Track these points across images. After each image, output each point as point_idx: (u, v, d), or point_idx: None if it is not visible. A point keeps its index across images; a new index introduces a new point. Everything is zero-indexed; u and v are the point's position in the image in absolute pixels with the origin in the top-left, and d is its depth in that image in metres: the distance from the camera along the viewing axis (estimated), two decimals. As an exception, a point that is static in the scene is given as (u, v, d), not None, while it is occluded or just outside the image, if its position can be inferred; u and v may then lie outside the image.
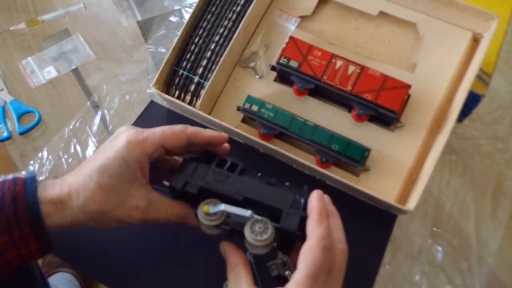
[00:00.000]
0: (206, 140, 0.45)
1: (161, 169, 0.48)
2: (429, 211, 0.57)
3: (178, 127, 0.45)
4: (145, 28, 0.81)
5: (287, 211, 0.39)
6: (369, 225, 0.55)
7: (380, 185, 0.54)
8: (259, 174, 0.44)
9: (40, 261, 0.76)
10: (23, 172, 0.41)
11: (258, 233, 0.39)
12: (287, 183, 0.43)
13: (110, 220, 0.41)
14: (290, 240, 0.40)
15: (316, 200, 0.38)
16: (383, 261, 0.53)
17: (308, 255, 0.35)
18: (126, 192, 0.41)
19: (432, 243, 0.55)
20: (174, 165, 0.49)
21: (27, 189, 0.39)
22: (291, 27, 0.62)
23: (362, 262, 0.51)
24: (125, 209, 0.40)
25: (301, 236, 0.38)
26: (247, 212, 0.39)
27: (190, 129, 0.45)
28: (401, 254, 0.55)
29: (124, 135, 0.42)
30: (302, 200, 0.40)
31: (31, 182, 0.40)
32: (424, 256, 0.55)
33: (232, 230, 0.42)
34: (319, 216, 0.37)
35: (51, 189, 0.40)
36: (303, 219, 0.39)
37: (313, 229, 0.36)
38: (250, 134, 0.55)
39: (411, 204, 0.50)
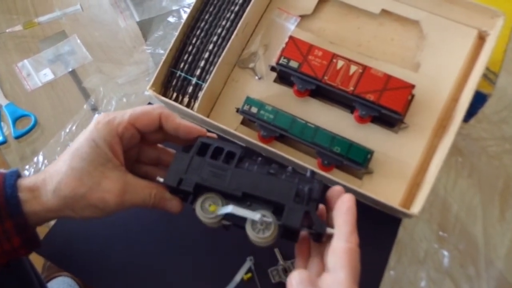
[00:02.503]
0: (177, 127, 0.43)
1: (143, 160, 0.47)
2: (435, 214, 0.56)
3: (150, 106, 0.44)
4: (145, 29, 0.80)
5: (290, 207, 0.38)
6: (372, 229, 0.53)
7: (384, 188, 0.53)
8: (259, 159, 0.42)
9: (40, 266, 0.75)
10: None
11: (260, 230, 0.38)
12: (289, 168, 0.41)
13: (85, 206, 0.40)
14: (295, 232, 0.39)
15: (351, 203, 0.37)
16: (387, 266, 0.51)
17: (351, 259, 0.34)
18: (100, 175, 0.40)
19: (438, 248, 0.54)
20: (158, 157, 0.47)
21: (6, 183, 0.39)
22: (291, 27, 0.61)
23: (365, 267, 0.49)
24: (100, 192, 0.39)
25: (310, 229, 0.37)
26: (256, 216, 0.38)
27: (165, 109, 0.43)
28: (406, 259, 0.54)
29: (95, 119, 0.42)
30: (306, 189, 0.39)
31: (10, 176, 0.40)
32: (430, 261, 0.53)
33: (233, 225, 0.41)
34: (354, 221, 0.36)
35: (29, 178, 0.40)
36: (307, 213, 0.38)
37: (351, 233, 0.35)
38: (250, 137, 0.54)
39: (416, 208, 0.48)
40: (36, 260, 0.53)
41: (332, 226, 0.37)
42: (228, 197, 0.40)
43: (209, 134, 0.45)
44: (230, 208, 0.39)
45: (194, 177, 0.41)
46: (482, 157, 0.59)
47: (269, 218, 0.38)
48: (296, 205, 0.38)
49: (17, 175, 0.40)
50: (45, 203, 0.39)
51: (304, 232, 0.39)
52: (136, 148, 0.45)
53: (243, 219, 0.39)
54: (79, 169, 0.39)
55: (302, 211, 0.38)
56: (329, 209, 0.39)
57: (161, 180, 0.42)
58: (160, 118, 0.43)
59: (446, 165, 0.52)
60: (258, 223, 0.38)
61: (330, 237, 0.37)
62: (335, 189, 0.39)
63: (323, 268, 0.37)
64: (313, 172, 0.40)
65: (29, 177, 0.41)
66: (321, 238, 0.38)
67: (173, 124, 0.43)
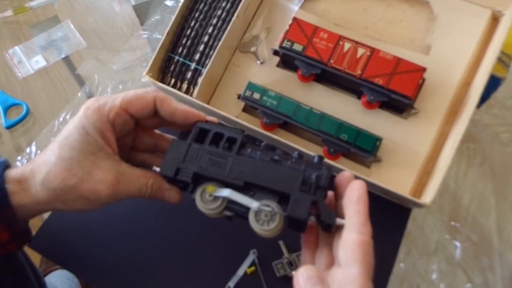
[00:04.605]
0: (173, 111, 0.40)
1: (139, 147, 0.44)
2: (446, 204, 0.54)
3: (143, 89, 0.41)
4: (142, 13, 0.77)
5: (295, 197, 0.35)
6: (381, 220, 0.50)
7: (393, 177, 0.51)
8: (263, 144, 0.40)
9: (37, 259, 0.73)
10: None
11: (265, 221, 0.36)
12: (295, 154, 0.39)
13: (76, 198, 0.37)
14: (302, 222, 0.36)
15: (362, 190, 0.34)
16: (397, 259, 0.50)
17: (364, 253, 0.32)
18: (91, 164, 0.37)
19: (450, 239, 0.52)
20: (155, 144, 0.45)
21: None
22: (294, 8, 0.58)
23: (374, 260, 0.48)
24: (91, 183, 0.37)
25: (318, 220, 0.35)
26: (254, 204, 0.36)
27: (160, 93, 0.41)
28: (416, 251, 0.52)
29: (85, 104, 0.39)
30: (313, 177, 0.36)
31: None
32: (441, 253, 0.52)
33: (236, 215, 0.38)
34: (367, 210, 0.34)
35: (17, 169, 0.38)
36: (315, 203, 0.35)
37: (364, 224, 0.33)
38: (252, 124, 0.52)
39: (428, 197, 0.46)
40: (34, 253, 0.51)
41: (341, 215, 0.35)
42: (230, 187, 0.38)
43: (208, 118, 0.42)
44: (227, 192, 0.37)
45: (192, 166, 0.38)
46: (494, 144, 0.57)
47: (269, 207, 0.36)
48: (302, 195, 0.36)
49: (5, 165, 0.38)
50: (33, 195, 0.37)
51: (311, 221, 0.36)
52: (131, 135, 0.43)
53: (246, 210, 0.37)
54: (69, 159, 0.37)
55: (309, 201, 0.35)
56: (338, 196, 0.37)
57: (157, 169, 0.39)
58: (154, 102, 0.40)
59: (456, 153, 0.50)
60: (262, 214, 0.36)
61: (340, 227, 0.35)
62: (344, 175, 0.37)
63: (332, 261, 0.35)
64: (320, 158, 0.38)
65: (16, 168, 0.38)
66: (331, 228, 0.36)
67: (169, 109, 0.40)
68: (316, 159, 0.38)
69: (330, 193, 0.39)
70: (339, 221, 0.35)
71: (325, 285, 0.32)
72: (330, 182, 0.37)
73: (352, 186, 0.35)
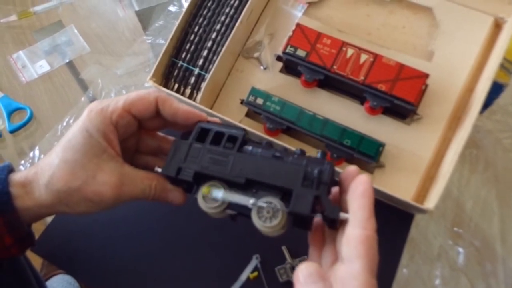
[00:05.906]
0: (175, 111, 0.40)
1: (143, 150, 0.44)
2: (449, 210, 0.54)
3: (145, 90, 0.41)
4: (145, 18, 0.77)
5: (298, 192, 0.35)
6: (384, 225, 0.50)
7: (396, 183, 0.50)
8: (264, 141, 0.39)
9: (39, 264, 0.73)
10: None
11: (267, 218, 0.35)
12: (297, 150, 0.38)
13: (80, 201, 0.37)
14: (306, 219, 0.35)
15: (367, 185, 0.33)
16: (400, 265, 0.49)
17: (368, 248, 0.31)
18: (95, 167, 0.37)
19: (452, 245, 0.52)
20: (159, 146, 0.44)
21: None
22: (297, 14, 0.58)
23: (377, 265, 0.48)
24: (95, 185, 0.37)
25: (322, 216, 0.35)
26: (249, 201, 0.35)
27: (161, 94, 0.41)
28: (419, 257, 0.52)
29: (88, 107, 0.39)
30: (316, 172, 0.35)
31: (1, 170, 0.37)
32: (444, 259, 0.51)
33: (239, 214, 0.38)
34: (371, 205, 0.33)
35: (21, 172, 0.38)
36: (318, 198, 0.34)
37: (368, 219, 0.32)
38: (255, 129, 0.52)
39: (431, 202, 0.46)
40: (35, 257, 0.51)
41: (346, 211, 0.34)
42: (231, 185, 0.37)
43: (210, 118, 0.42)
44: (221, 194, 0.36)
45: (194, 166, 0.38)
46: (497, 150, 0.57)
47: (270, 204, 0.35)
48: (304, 190, 0.35)
49: (9, 169, 0.38)
50: (37, 198, 0.37)
51: (317, 218, 0.36)
52: (135, 137, 0.43)
53: (248, 208, 0.36)
54: (72, 162, 0.37)
55: (312, 195, 0.34)
56: (342, 191, 0.36)
57: (159, 170, 0.39)
58: (156, 103, 0.40)
59: (459, 159, 0.50)
60: (264, 211, 0.35)
61: (344, 222, 0.34)
62: (350, 169, 0.36)
63: (337, 258, 0.34)
64: (324, 153, 0.37)
65: (20, 171, 0.38)
66: (336, 224, 0.35)
67: (171, 109, 0.40)
68: (319, 155, 0.37)
69: (335, 189, 0.38)
70: (343, 215, 0.34)
71: (326, 281, 0.31)
72: (334, 178, 0.37)
73: (357, 180, 0.34)
